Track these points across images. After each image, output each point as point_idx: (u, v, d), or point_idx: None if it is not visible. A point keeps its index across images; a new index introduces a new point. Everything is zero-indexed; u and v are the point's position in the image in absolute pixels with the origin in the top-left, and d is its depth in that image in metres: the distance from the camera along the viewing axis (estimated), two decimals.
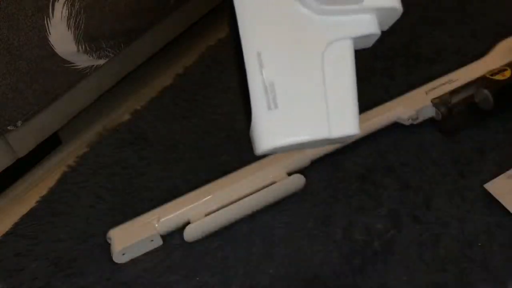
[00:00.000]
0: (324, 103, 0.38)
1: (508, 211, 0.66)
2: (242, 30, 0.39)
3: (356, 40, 0.40)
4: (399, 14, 0.41)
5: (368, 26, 0.40)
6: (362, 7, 0.39)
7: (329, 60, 0.39)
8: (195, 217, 0.70)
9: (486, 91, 0.75)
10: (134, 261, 0.71)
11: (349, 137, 0.39)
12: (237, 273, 0.67)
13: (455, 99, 0.78)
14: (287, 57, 0.39)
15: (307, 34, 0.39)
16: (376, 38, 0.42)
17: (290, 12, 0.40)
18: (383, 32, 0.44)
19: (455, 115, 0.77)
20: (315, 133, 0.38)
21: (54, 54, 0.79)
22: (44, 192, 0.82)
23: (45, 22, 0.76)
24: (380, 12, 0.40)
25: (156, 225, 0.71)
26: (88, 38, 0.82)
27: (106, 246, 0.72)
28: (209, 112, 0.88)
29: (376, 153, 0.76)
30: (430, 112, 0.78)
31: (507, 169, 0.71)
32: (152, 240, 0.71)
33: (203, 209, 0.71)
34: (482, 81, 0.77)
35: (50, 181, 0.84)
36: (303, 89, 0.39)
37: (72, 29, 0.79)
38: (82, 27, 0.80)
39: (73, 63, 0.82)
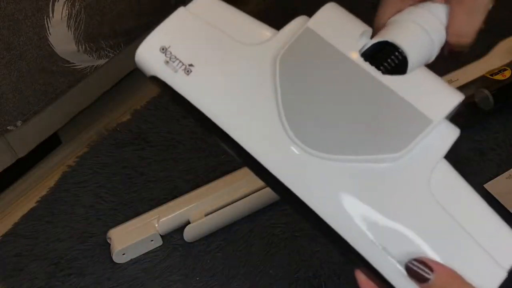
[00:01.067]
0: (473, 243, 0.32)
1: (508, 211, 0.66)
2: (346, 236, 0.34)
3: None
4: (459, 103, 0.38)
5: (448, 135, 0.36)
6: (435, 123, 0.35)
7: (442, 197, 0.34)
8: (195, 217, 0.70)
9: (486, 91, 0.75)
10: (134, 261, 0.71)
11: None
12: (237, 273, 0.67)
13: None
14: (406, 225, 0.33)
15: (405, 185, 0.34)
16: (456, 138, 0.37)
17: (377, 179, 0.34)
18: None
19: (455, 115, 0.77)
20: (491, 282, 0.32)
21: (54, 54, 0.79)
22: (44, 192, 0.82)
23: (45, 22, 0.76)
24: (449, 114, 0.37)
25: (156, 225, 0.71)
26: (88, 38, 0.82)
27: (106, 246, 0.72)
28: None
29: None
30: None
31: (507, 169, 0.71)
32: (152, 240, 0.71)
33: (203, 209, 0.71)
34: (482, 81, 0.77)
35: (50, 181, 0.84)
36: (445, 244, 0.32)
37: (72, 29, 0.79)
38: (82, 27, 0.80)
39: (73, 63, 0.82)
